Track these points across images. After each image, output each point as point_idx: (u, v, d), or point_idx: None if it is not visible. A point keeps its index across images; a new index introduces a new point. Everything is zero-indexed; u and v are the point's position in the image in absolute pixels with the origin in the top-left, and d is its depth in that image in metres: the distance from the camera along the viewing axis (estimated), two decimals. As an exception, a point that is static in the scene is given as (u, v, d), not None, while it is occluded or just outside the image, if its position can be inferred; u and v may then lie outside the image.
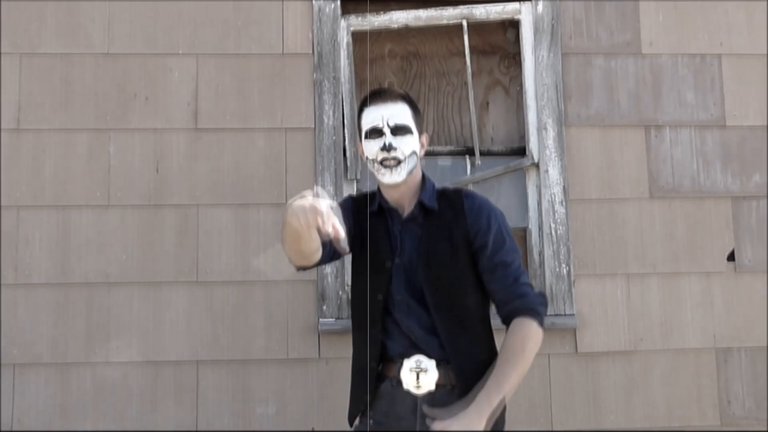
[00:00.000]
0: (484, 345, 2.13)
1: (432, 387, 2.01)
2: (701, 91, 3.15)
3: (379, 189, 2.20)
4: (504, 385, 1.96)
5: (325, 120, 3.01)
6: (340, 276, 2.91)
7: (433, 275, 2.09)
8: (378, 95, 2.16)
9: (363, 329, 2.09)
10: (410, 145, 2.10)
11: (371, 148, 2.11)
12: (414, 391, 2.01)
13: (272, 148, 2.99)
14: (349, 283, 2.66)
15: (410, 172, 2.12)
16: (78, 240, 2.89)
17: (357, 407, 2.13)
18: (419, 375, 2.00)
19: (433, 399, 2.02)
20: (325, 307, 2.88)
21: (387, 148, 2.07)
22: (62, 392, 2.84)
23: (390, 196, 2.17)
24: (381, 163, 2.09)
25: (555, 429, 2.95)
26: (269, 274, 2.90)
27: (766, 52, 3.18)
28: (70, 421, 2.82)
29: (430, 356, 2.03)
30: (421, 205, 2.15)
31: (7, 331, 2.84)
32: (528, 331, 2.01)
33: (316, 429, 2.84)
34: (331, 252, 2.09)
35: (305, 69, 3.03)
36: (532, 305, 2.04)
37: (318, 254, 2.04)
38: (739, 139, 3.14)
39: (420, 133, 2.16)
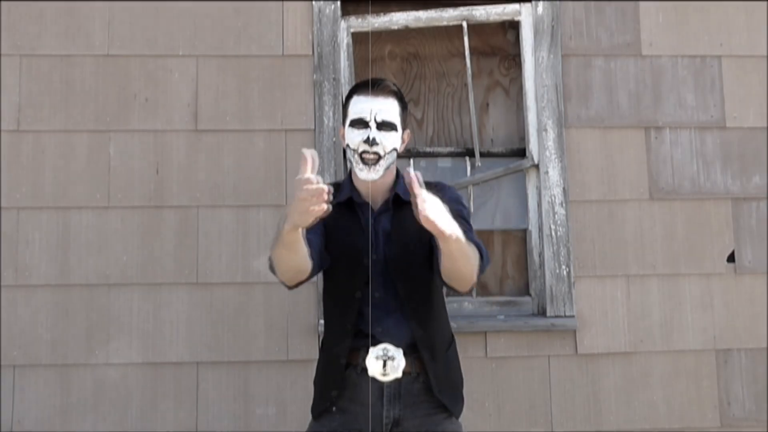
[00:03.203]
0: (447, 330, 2.21)
1: (399, 374, 2.03)
2: (701, 93, 3.15)
3: (351, 180, 2.19)
4: (459, 232, 1.90)
5: (325, 121, 3.01)
6: (340, 277, 2.91)
7: (405, 264, 2.11)
8: (370, 86, 2.14)
9: (337, 324, 2.13)
10: (392, 142, 2.11)
11: (353, 138, 2.10)
12: (380, 378, 2.03)
13: (272, 150, 2.99)
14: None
15: (387, 168, 2.12)
16: (78, 241, 2.89)
17: (324, 400, 2.13)
18: (386, 362, 2.01)
19: (399, 386, 2.06)
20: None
21: (370, 142, 2.07)
22: (62, 393, 2.84)
23: (364, 189, 2.15)
24: (361, 155, 2.09)
25: (555, 430, 2.95)
26: (269, 276, 2.86)
27: (766, 54, 3.18)
28: (70, 422, 2.82)
29: (397, 345, 2.04)
30: (395, 197, 2.15)
31: (7, 332, 2.84)
32: (476, 254, 2.02)
33: (316, 430, 2.84)
34: (319, 260, 2.08)
35: (305, 70, 3.03)
36: (483, 250, 2.07)
37: (309, 263, 2.02)
38: (739, 140, 3.14)
39: (403, 129, 2.17)
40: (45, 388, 2.84)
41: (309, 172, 1.76)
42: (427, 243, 2.12)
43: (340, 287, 2.12)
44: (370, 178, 2.10)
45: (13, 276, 2.87)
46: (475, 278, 2.03)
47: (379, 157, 2.09)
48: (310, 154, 1.78)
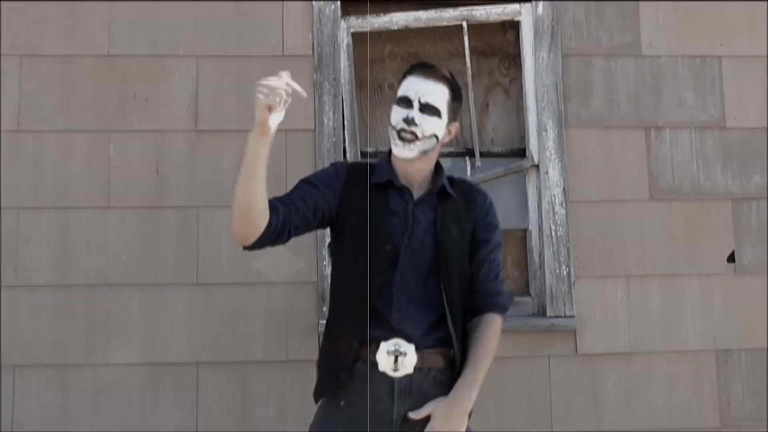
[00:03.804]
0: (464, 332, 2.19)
1: (410, 370, 2.00)
2: (701, 93, 3.15)
3: (391, 162, 2.15)
4: (481, 378, 2.04)
5: (325, 121, 3.01)
6: (340, 277, 2.91)
7: (447, 259, 2.08)
8: (424, 68, 2.13)
9: (350, 309, 2.06)
10: (433, 127, 2.07)
11: (395, 116, 2.09)
12: (391, 373, 1.99)
13: (272, 150, 2.97)
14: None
15: (424, 152, 2.08)
16: (78, 241, 2.89)
17: (328, 386, 2.09)
18: (398, 358, 1.99)
19: (410, 382, 2.02)
20: (325, 309, 2.88)
21: (408, 120, 2.05)
22: (62, 393, 2.84)
23: (403, 172, 2.13)
24: (399, 132, 2.07)
25: (555, 430, 2.95)
26: (269, 276, 2.90)
27: (766, 54, 3.18)
28: (70, 422, 2.82)
29: (410, 340, 2.01)
30: (440, 188, 2.13)
31: (7, 332, 2.84)
32: (498, 328, 2.12)
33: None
34: (299, 213, 2.02)
35: (305, 70, 3.03)
36: (505, 304, 2.16)
37: (265, 217, 1.95)
38: (739, 140, 3.14)
39: (450, 120, 2.13)
40: (45, 388, 2.83)
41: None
42: (468, 247, 2.13)
43: (360, 267, 2.03)
44: (404, 155, 2.07)
45: (13, 276, 2.86)
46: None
47: (416, 138, 2.06)
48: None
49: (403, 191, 2.12)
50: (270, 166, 2.97)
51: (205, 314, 2.89)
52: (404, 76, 2.14)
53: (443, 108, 2.09)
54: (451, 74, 2.17)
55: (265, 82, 1.90)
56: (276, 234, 1.99)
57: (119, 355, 2.86)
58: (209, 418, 2.85)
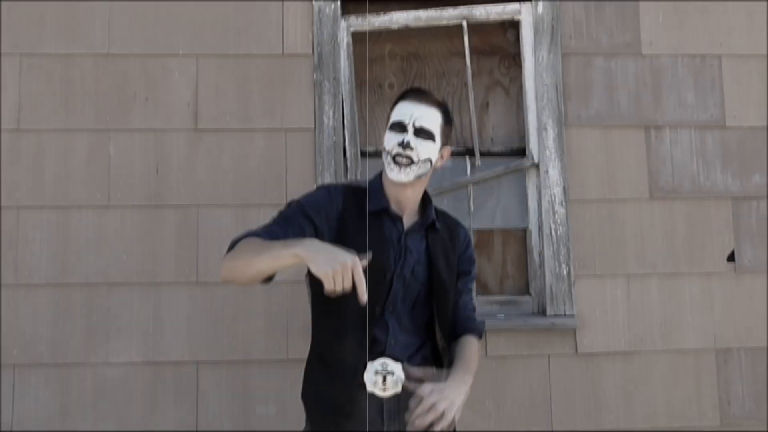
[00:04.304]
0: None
1: (398, 389, 1.98)
2: (701, 92, 3.15)
3: (383, 188, 2.15)
4: (471, 376, 2.05)
5: (325, 120, 3.01)
6: (340, 276, 2.91)
7: (441, 288, 2.12)
8: (416, 93, 2.14)
9: (347, 338, 2.05)
10: (428, 151, 2.08)
11: (390, 140, 2.09)
12: (379, 393, 1.97)
13: (272, 149, 2.99)
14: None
15: (419, 177, 2.09)
16: (78, 240, 2.89)
17: (329, 421, 2.07)
18: (386, 377, 1.98)
19: (398, 401, 2.00)
20: (325, 308, 2.88)
21: (404, 144, 2.05)
22: (62, 393, 2.84)
23: (395, 198, 2.13)
24: (394, 158, 2.07)
25: (555, 429, 2.95)
26: (269, 275, 2.90)
27: (766, 53, 3.18)
28: (69, 421, 2.82)
29: (406, 357, 2.04)
30: (428, 220, 2.16)
31: (7, 331, 2.84)
32: (477, 348, 2.18)
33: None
34: None
35: (305, 69, 3.03)
36: (481, 330, 2.25)
37: (256, 281, 1.98)
38: (739, 139, 3.14)
39: (443, 144, 2.14)
40: (45, 387, 2.83)
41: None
42: (454, 270, 2.19)
43: (351, 299, 1.99)
44: (400, 179, 2.07)
45: (13, 276, 2.87)
46: None
47: (412, 162, 2.06)
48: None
49: (396, 220, 2.13)
50: (270, 166, 2.99)
51: (205, 313, 2.89)
52: (397, 101, 2.15)
53: (437, 132, 2.10)
54: (443, 99, 2.21)
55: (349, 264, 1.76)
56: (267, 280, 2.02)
57: (119, 354, 2.86)
58: (209, 418, 2.85)
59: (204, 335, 2.89)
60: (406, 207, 2.14)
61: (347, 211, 2.09)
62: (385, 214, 2.12)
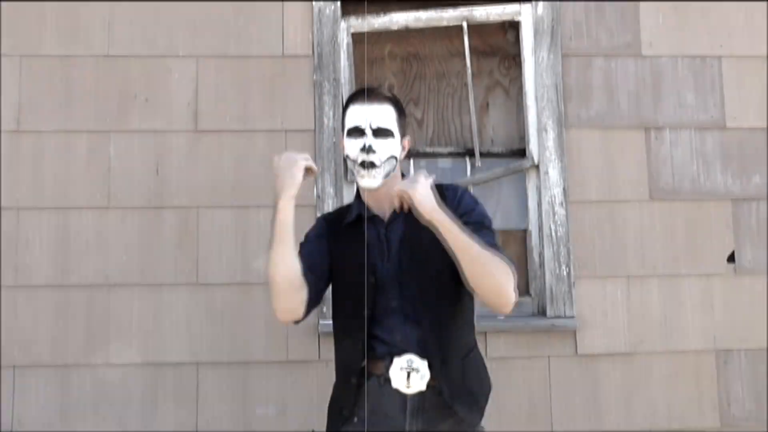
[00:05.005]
0: (467, 337, 2.16)
1: (423, 387, 1.99)
2: (701, 93, 3.15)
3: (358, 196, 2.18)
4: (451, 226, 1.95)
5: (325, 121, 3.01)
6: (340, 277, 2.91)
7: (420, 270, 2.07)
8: (364, 95, 2.13)
9: (350, 340, 2.07)
10: (389, 149, 2.09)
11: (351, 148, 2.09)
12: (404, 390, 1.99)
13: (272, 150, 2.97)
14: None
15: (387, 176, 2.10)
16: (78, 242, 2.89)
17: (340, 416, 2.09)
18: (410, 374, 1.98)
19: (423, 399, 2.01)
20: (325, 309, 2.88)
21: (366, 149, 2.06)
22: (62, 394, 2.84)
23: (373, 200, 2.14)
24: (360, 164, 2.08)
25: (555, 430, 2.95)
26: (269, 276, 2.89)
27: (766, 54, 3.18)
28: (70, 422, 2.82)
29: (420, 356, 2.01)
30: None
31: (7, 332, 2.84)
32: (505, 266, 2.03)
33: (316, 430, 2.84)
34: (316, 283, 2.06)
35: (305, 70, 3.03)
36: (508, 260, 2.07)
37: (300, 273, 1.99)
38: (739, 140, 3.14)
39: (402, 136, 2.14)
40: (45, 388, 2.84)
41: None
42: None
43: (353, 302, 2.06)
44: (369, 185, 2.08)
45: (13, 276, 2.87)
46: (505, 292, 2.01)
47: (375, 166, 2.06)
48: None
49: (375, 219, 2.13)
50: (270, 167, 2.97)
51: (205, 314, 2.89)
52: (346, 106, 2.15)
53: (394, 128, 2.10)
54: (390, 91, 2.21)
55: (288, 153, 2.02)
56: (315, 306, 2.07)
57: (119, 355, 2.86)
58: (209, 418, 2.85)
59: (204, 336, 2.89)
60: (386, 203, 2.14)
61: (330, 233, 2.16)
62: (363, 221, 2.11)
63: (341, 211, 2.25)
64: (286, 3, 3.06)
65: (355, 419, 2.05)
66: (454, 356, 2.08)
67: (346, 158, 2.13)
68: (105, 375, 2.85)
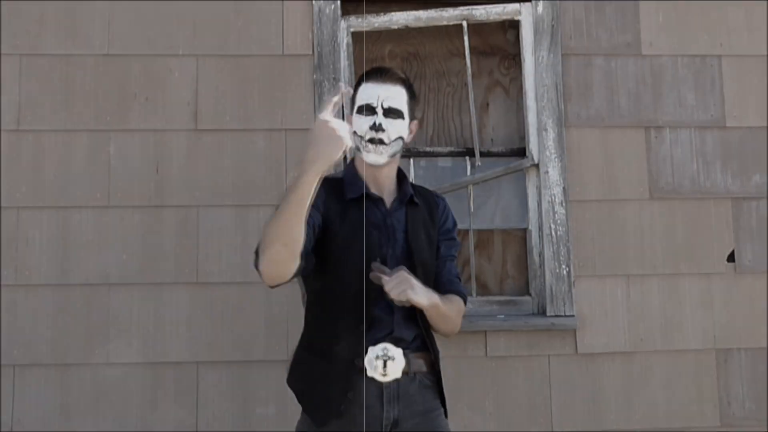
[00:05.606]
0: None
1: (398, 374, 2.00)
2: (701, 92, 3.15)
3: (358, 174, 2.15)
4: (437, 305, 2.05)
5: (325, 121, 3.00)
6: (340, 277, 2.91)
7: (419, 265, 2.11)
8: (378, 74, 2.15)
9: (344, 324, 2.04)
10: (398, 130, 2.12)
11: (361, 125, 2.10)
12: (379, 378, 1.99)
13: (272, 149, 2.99)
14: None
15: (392, 155, 2.14)
16: (78, 241, 2.89)
17: (328, 409, 2.06)
18: (386, 362, 1.98)
19: (398, 386, 2.04)
20: (325, 308, 2.88)
21: (376, 128, 2.08)
22: (62, 393, 2.83)
23: (372, 180, 2.14)
24: (368, 141, 2.10)
25: (555, 430, 2.95)
26: (269, 275, 2.89)
27: (766, 53, 3.18)
28: (70, 422, 2.82)
29: (398, 345, 2.01)
30: (407, 195, 2.18)
31: (7, 331, 2.84)
32: (461, 306, 2.20)
33: (316, 430, 2.84)
34: (305, 259, 1.95)
35: (305, 70, 3.03)
36: (464, 294, 2.24)
37: (300, 249, 1.89)
38: (739, 139, 3.14)
39: (411, 119, 2.17)
40: (45, 387, 2.83)
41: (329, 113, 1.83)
42: (434, 243, 2.21)
43: (348, 285, 2.02)
44: (377, 161, 2.11)
45: (13, 276, 2.86)
46: (455, 329, 2.20)
47: (383, 142, 2.09)
48: (343, 91, 1.91)
49: (378, 202, 2.14)
50: (270, 167, 2.99)
51: (205, 314, 2.89)
52: (359, 83, 2.16)
53: (405, 109, 2.13)
54: (404, 73, 2.22)
55: (331, 121, 1.83)
56: (300, 270, 1.96)
57: (119, 354, 2.86)
58: (209, 418, 2.85)
59: (204, 335, 2.89)
60: (384, 186, 2.17)
61: (329, 200, 2.08)
62: (365, 199, 2.09)
63: (332, 181, 2.12)
64: (286, 2, 3.06)
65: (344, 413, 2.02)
66: (436, 349, 2.18)
67: (353, 135, 2.07)
68: (105, 374, 2.85)
